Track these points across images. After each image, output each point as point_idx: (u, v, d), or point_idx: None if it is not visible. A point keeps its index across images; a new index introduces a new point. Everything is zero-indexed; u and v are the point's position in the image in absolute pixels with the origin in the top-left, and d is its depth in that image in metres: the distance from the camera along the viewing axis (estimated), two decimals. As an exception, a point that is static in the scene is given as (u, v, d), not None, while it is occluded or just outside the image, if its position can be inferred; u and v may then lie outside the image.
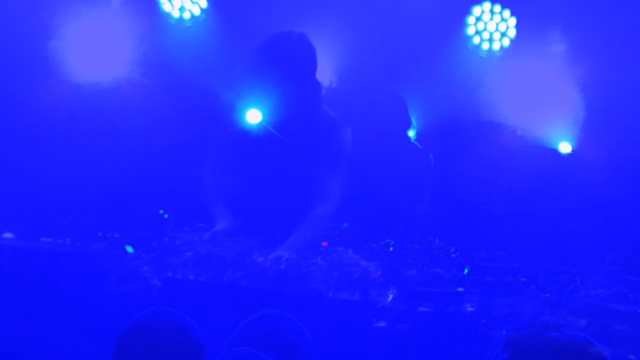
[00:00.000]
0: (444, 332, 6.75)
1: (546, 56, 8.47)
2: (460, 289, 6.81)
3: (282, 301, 6.86)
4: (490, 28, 8.70)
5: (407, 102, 8.58)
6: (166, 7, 8.62)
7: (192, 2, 8.62)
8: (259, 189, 7.94)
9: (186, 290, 7.04)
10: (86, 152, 8.35)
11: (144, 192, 8.21)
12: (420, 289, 6.86)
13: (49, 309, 7.05)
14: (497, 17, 8.69)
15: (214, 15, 8.65)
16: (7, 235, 7.58)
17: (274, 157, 7.94)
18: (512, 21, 8.67)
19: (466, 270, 6.89)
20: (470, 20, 8.72)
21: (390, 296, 6.88)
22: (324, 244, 7.13)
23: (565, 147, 8.72)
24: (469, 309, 6.80)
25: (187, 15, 8.65)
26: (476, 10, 8.70)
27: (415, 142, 8.54)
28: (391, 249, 7.04)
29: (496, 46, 8.71)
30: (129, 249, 7.14)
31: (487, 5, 8.69)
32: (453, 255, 7.03)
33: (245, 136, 8.03)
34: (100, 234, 7.23)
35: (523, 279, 6.87)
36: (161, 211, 7.32)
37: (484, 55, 8.74)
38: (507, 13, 8.67)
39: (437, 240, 7.06)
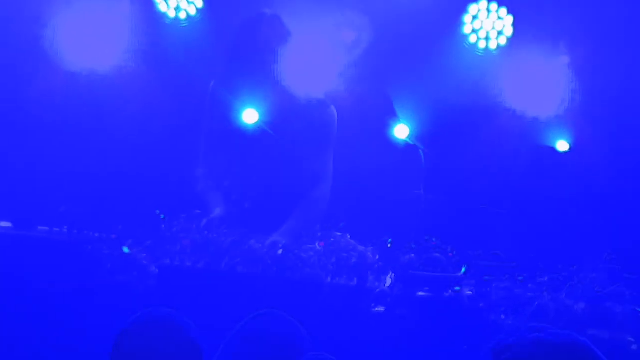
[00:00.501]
0: (442, 317, 6.74)
1: (543, 54, 8.47)
2: (458, 289, 6.80)
3: (279, 287, 6.86)
4: (487, 26, 8.70)
5: (392, 98, 8.59)
6: (162, 7, 8.63)
7: (188, 2, 8.62)
8: (250, 176, 7.94)
9: (183, 277, 7.02)
10: (82, 141, 8.34)
11: (140, 180, 8.20)
12: (418, 273, 6.85)
13: (46, 297, 7.02)
14: (493, 16, 8.69)
15: (209, 15, 8.65)
16: (4, 224, 7.57)
17: (263, 144, 7.95)
18: (509, 19, 8.66)
19: (463, 270, 6.88)
20: (467, 18, 8.72)
21: (389, 281, 6.87)
22: (321, 243, 7.11)
23: (562, 145, 8.72)
24: (467, 292, 6.80)
25: (182, 15, 8.65)
26: (473, 8, 8.70)
27: (408, 139, 8.54)
28: (389, 245, 7.02)
29: (493, 45, 8.71)
30: (125, 250, 7.13)
31: (483, 4, 8.69)
32: (450, 255, 7.02)
33: (236, 128, 8.04)
34: (96, 235, 7.20)
35: (520, 278, 6.85)
36: (158, 211, 7.30)
37: (481, 54, 8.74)
38: (503, 11, 8.67)
39: (434, 240, 7.04)
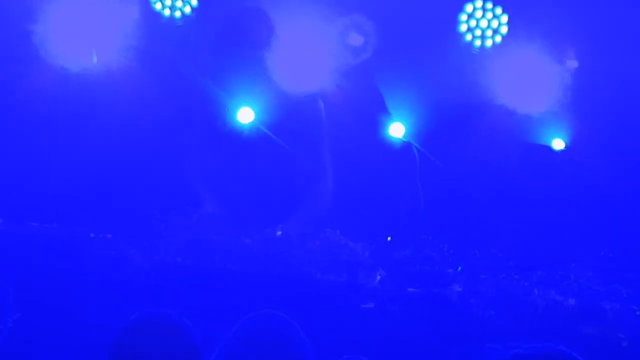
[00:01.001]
0: (432, 313, 6.74)
1: (538, 52, 8.45)
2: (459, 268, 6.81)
3: (270, 283, 6.86)
4: (483, 25, 8.68)
5: (385, 96, 8.58)
6: (157, 6, 8.62)
7: (183, 1, 8.61)
8: (242, 172, 7.96)
9: (175, 273, 7.01)
10: (74, 138, 8.33)
11: (132, 177, 8.20)
12: (408, 269, 6.85)
13: (37, 293, 7.02)
14: (489, 15, 8.67)
15: (204, 14, 8.63)
16: (-5, 220, 7.57)
17: (255, 140, 7.97)
18: (504, 18, 8.64)
19: (460, 269, 6.88)
20: (463, 17, 8.70)
21: (379, 277, 6.86)
22: (317, 242, 7.11)
23: (558, 144, 8.71)
24: (458, 289, 6.80)
25: (178, 14, 8.64)
26: (468, 7, 8.68)
27: (403, 138, 8.53)
28: (389, 238, 7.01)
29: (488, 43, 8.69)
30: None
31: (479, 3, 8.67)
32: (447, 254, 7.02)
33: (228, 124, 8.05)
34: (92, 235, 7.19)
35: (517, 277, 6.85)
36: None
37: (476, 52, 8.72)
38: (499, 10, 8.65)
39: (431, 239, 7.04)
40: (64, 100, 8.37)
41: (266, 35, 7.88)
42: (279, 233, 7.08)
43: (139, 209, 7.46)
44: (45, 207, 7.54)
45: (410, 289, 6.79)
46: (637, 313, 6.69)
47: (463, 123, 8.70)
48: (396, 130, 8.54)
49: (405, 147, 8.57)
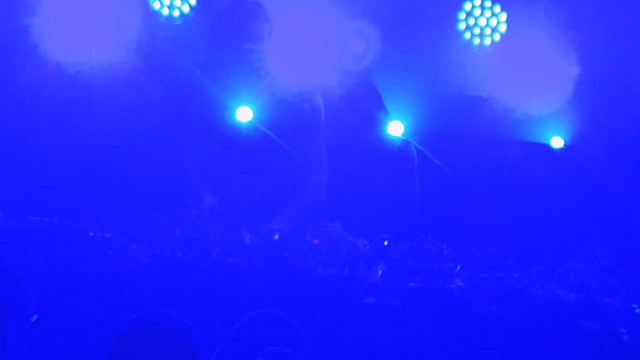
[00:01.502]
0: (433, 308, 6.75)
1: (537, 51, 8.46)
2: (454, 285, 6.81)
3: (270, 278, 6.85)
4: (481, 23, 8.68)
5: (381, 94, 8.59)
6: (155, 5, 8.60)
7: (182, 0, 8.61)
8: (241, 167, 7.96)
9: (174, 267, 7.00)
10: (72, 130, 8.32)
11: (131, 171, 8.18)
12: (409, 264, 6.85)
13: (36, 288, 6.99)
14: (487, 13, 8.67)
15: (203, 13, 8.63)
16: (-6, 214, 7.55)
17: (253, 134, 7.97)
18: (503, 16, 8.65)
19: (458, 267, 6.89)
20: (461, 15, 8.71)
21: (380, 271, 6.86)
22: (316, 241, 7.10)
23: (557, 142, 8.73)
24: (459, 283, 6.80)
25: (176, 14, 8.62)
26: (467, 5, 8.69)
27: (402, 136, 8.54)
28: (386, 243, 7.01)
29: (487, 41, 8.70)
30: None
31: (477, 1, 8.68)
32: (445, 252, 7.03)
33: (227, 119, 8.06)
34: (91, 234, 7.17)
35: (516, 275, 6.86)
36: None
37: (475, 51, 8.73)
38: (497, 8, 8.66)
39: (429, 237, 7.04)
40: (62, 96, 8.36)
41: (264, 29, 7.88)
42: (276, 237, 7.07)
43: (138, 204, 7.45)
44: (44, 202, 7.51)
45: (411, 284, 6.79)
46: (637, 311, 6.70)
47: (462, 121, 8.71)
48: (395, 128, 8.55)
49: (404, 145, 8.57)
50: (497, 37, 8.66)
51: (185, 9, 8.61)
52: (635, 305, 6.70)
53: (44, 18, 8.14)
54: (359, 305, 6.78)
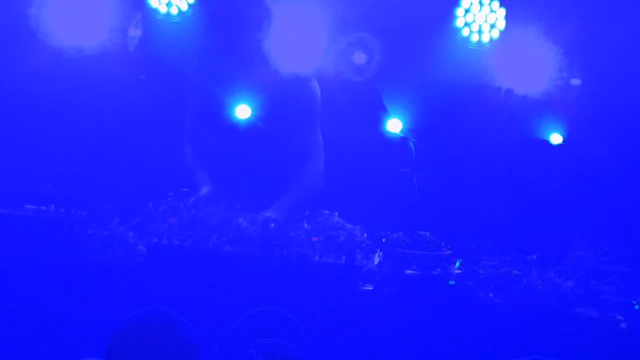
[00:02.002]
0: (431, 295, 6.74)
1: (535, 48, 8.45)
2: (452, 282, 6.80)
3: (267, 266, 6.85)
4: (479, 20, 8.66)
5: (381, 93, 8.59)
6: (153, 2, 8.59)
7: (180, -3, 8.60)
8: (238, 154, 7.96)
9: (171, 256, 7.00)
10: (70, 120, 8.32)
11: (127, 159, 8.18)
12: (406, 251, 6.84)
13: (33, 277, 7.00)
14: (486, 9, 8.64)
15: (201, 11, 8.61)
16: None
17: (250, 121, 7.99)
18: (501, 12, 8.63)
19: (457, 264, 6.88)
20: (459, 12, 8.68)
21: (377, 259, 6.85)
22: (315, 239, 7.08)
23: (556, 139, 8.72)
24: (456, 271, 6.80)
25: (174, 11, 8.60)
26: (465, 2, 8.66)
27: (400, 133, 8.54)
28: (384, 240, 7.00)
29: (485, 38, 8.68)
30: None
31: (475, -3, 8.68)
32: (444, 249, 7.01)
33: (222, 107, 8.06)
34: (89, 232, 7.15)
35: (515, 272, 6.85)
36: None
37: (474, 47, 8.71)
38: (495, 4, 8.63)
39: (427, 234, 7.03)
40: (60, 87, 8.37)
41: (262, 18, 7.87)
42: (272, 225, 7.06)
43: (135, 193, 7.45)
44: (41, 191, 7.50)
45: (408, 271, 6.78)
46: (636, 307, 6.70)
47: (460, 118, 8.71)
48: (393, 125, 8.54)
49: (402, 142, 8.57)
50: (495, 33, 8.63)
51: (183, 6, 8.59)
52: (634, 302, 6.70)
53: (41, 16, 8.14)
54: (356, 293, 6.78)
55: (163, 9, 8.60)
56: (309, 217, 7.12)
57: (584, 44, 8.35)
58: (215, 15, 8.16)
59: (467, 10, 8.63)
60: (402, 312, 6.70)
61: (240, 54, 7.91)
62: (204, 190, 7.62)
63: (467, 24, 8.64)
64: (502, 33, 8.62)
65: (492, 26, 8.63)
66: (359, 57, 8.44)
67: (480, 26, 8.63)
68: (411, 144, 8.52)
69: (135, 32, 8.44)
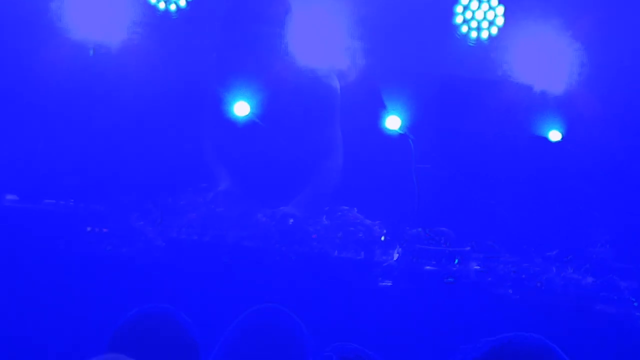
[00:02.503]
0: (449, 291, 6.75)
1: (534, 45, 8.44)
2: (451, 280, 6.80)
3: (286, 261, 6.86)
4: (478, 17, 8.65)
5: (381, 89, 8.58)
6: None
7: (178, -6, 8.59)
8: (257, 150, 7.97)
9: (190, 250, 7.02)
10: (88, 113, 8.33)
11: (147, 154, 8.20)
12: (425, 247, 6.85)
13: (52, 271, 7.02)
14: (484, 6, 8.63)
15: (200, 8, 8.61)
16: (10, 197, 7.55)
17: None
18: (500, 9, 8.61)
19: (456, 261, 6.88)
20: (458, 9, 8.67)
21: (396, 255, 6.86)
22: (314, 236, 7.09)
23: (555, 135, 8.71)
24: (475, 267, 6.80)
25: (173, 8, 8.60)
26: (463, -2, 8.68)
27: (399, 130, 8.53)
28: (383, 238, 7.01)
29: (484, 35, 8.67)
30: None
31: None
32: (444, 247, 7.02)
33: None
34: (88, 229, 7.17)
35: (514, 270, 6.85)
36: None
37: (472, 44, 8.69)
38: (494, 1, 8.62)
39: (427, 232, 7.04)
40: (78, 79, 8.38)
41: (282, 13, 7.88)
42: (291, 221, 7.07)
43: (154, 188, 7.46)
44: (60, 185, 7.53)
45: (427, 267, 6.79)
46: (635, 304, 6.69)
47: (460, 115, 8.70)
48: (392, 123, 8.53)
49: (402, 139, 8.56)
50: (494, 30, 8.62)
51: (182, 3, 8.59)
52: (633, 299, 6.69)
53: (39, 14, 8.16)
54: (375, 289, 6.78)
55: (162, 6, 8.60)
56: (328, 213, 7.13)
57: (583, 39, 8.34)
58: (235, 9, 8.17)
59: (465, 7, 8.62)
60: (421, 308, 6.70)
61: (260, 49, 7.92)
62: (223, 185, 7.64)
63: (465, 21, 8.63)
64: (500, 30, 8.61)
65: (491, 23, 8.62)
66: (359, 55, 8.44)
67: (479, 23, 8.62)
68: (410, 141, 8.52)
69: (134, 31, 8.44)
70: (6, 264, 6.96)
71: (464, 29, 8.61)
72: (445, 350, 6.58)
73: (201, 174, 7.84)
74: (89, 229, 7.11)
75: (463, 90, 8.63)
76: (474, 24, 8.60)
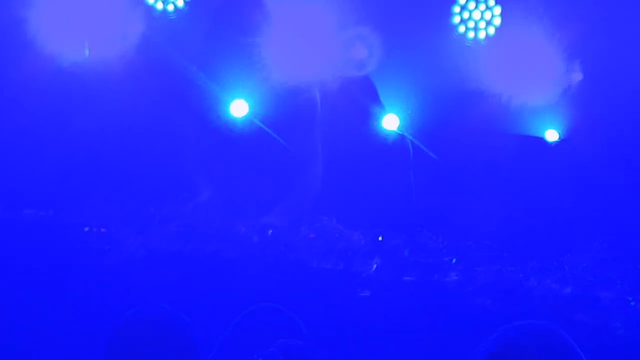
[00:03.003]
0: (428, 301, 6.75)
1: (531, 44, 8.44)
2: (454, 260, 6.81)
3: (266, 272, 6.87)
4: (476, 17, 8.64)
5: (377, 88, 8.58)
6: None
7: (176, -6, 8.61)
8: (238, 161, 7.98)
9: (170, 261, 7.02)
10: (68, 125, 8.31)
11: (127, 165, 8.19)
12: (404, 258, 6.86)
13: (32, 281, 7.02)
14: (482, 6, 8.63)
15: (197, 8, 8.61)
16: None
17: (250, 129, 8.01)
18: (497, 9, 8.61)
19: (454, 261, 6.89)
20: (456, 9, 8.67)
21: (375, 265, 6.87)
22: (312, 235, 7.11)
23: (552, 135, 8.71)
24: (454, 277, 6.81)
25: (170, 8, 8.61)
26: (461, -2, 8.68)
27: (397, 130, 8.54)
28: (380, 238, 7.01)
29: (482, 35, 8.67)
30: None
31: (471, -6, 8.67)
32: (441, 245, 7.03)
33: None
34: (86, 229, 7.18)
35: (511, 268, 6.86)
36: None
37: (470, 44, 8.70)
38: (492, 1, 8.62)
39: (424, 230, 7.04)
40: (57, 91, 8.36)
41: (261, 23, 7.88)
42: (270, 232, 7.08)
43: (135, 198, 7.46)
44: (41, 196, 7.53)
45: (406, 278, 6.79)
46: (632, 304, 6.70)
47: (456, 115, 8.69)
48: (390, 122, 8.54)
49: (398, 139, 8.57)
50: (491, 30, 8.62)
51: (180, 3, 8.60)
52: (630, 298, 6.70)
53: (38, 12, 8.15)
54: (354, 299, 6.79)
55: (159, 6, 8.60)
56: (308, 223, 7.13)
57: (581, 40, 8.34)
58: (214, 17, 8.18)
59: (463, 7, 8.63)
60: (399, 318, 6.71)
61: (240, 59, 7.92)
62: (204, 196, 7.63)
63: (463, 21, 8.64)
64: (498, 30, 8.62)
65: (488, 23, 8.62)
66: (359, 52, 8.43)
67: (476, 23, 8.63)
68: (408, 141, 8.52)
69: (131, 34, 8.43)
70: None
71: (462, 29, 8.62)
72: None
73: (182, 184, 7.83)
74: (86, 229, 7.12)
75: (461, 89, 8.64)
76: (471, 24, 8.61)
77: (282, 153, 7.89)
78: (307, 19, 7.96)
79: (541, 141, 8.48)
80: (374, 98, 8.30)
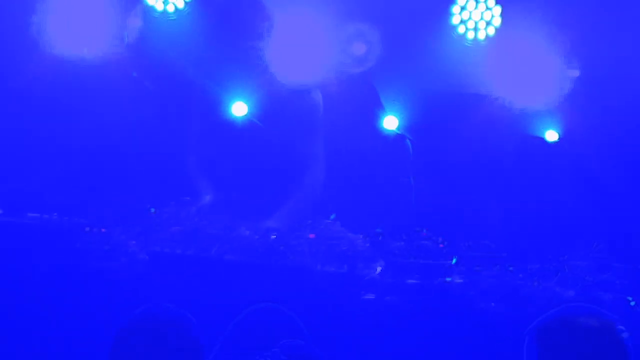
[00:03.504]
0: (432, 304, 6.74)
1: (531, 44, 8.45)
2: (449, 279, 6.80)
3: (269, 275, 6.86)
4: (475, 17, 8.66)
5: (378, 89, 8.59)
6: (150, 0, 8.61)
7: (176, -5, 8.61)
8: (240, 163, 7.98)
9: (173, 264, 7.01)
10: (70, 127, 8.32)
11: (130, 168, 8.19)
12: (407, 261, 6.85)
13: (36, 284, 7.01)
14: (481, 6, 8.64)
15: (197, 8, 8.61)
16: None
17: (252, 131, 7.99)
18: (497, 10, 8.63)
19: (454, 261, 6.88)
20: (455, 9, 8.68)
21: (378, 269, 6.86)
22: (311, 236, 7.10)
23: (551, 136, 8.72)
24: (457, 281, 6.80)
25: (170, 8, 8.61)
26: (460, -1, 8.69)
27: (397, 130, 8.54)
28: (380, 238, 7.01)
29: (481, 35, 8.68)
30: None
31: (471, -6, 8.67)
32: (441, 246, 7.02)
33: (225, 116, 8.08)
34: (87, 229, 7.17)
35: (511, 268, 6.85)
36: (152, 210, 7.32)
37: (469, 45, 8.70)
38: (491, 2, 8.64)
39: (424, 231, 7.04)
40: (59, 93, 8.36)
41: (263, 25, 7.88)
42: (273, 236, 7.08)
43: (137, 201, 7.46)
44: (43, 199, 7.52)
45: (410, 280, 6.79)
46: (632, 304, 6.69)
47: (456, 115, 8.70)
48: (390, 123, 8.55)
49: (399, 140, 8.57)
50: (491, 30, 8.63)
51: (180, 4, 8.60)
52: (630, 298, 6.70)
53: (39, 13, 8.15)
54: (358, 302, 6.78)
55: (159, 7, 8.59)
56: (311, 226, 7.13)
57: (581, 39, 8.35)
58: (214, 17, 8.18)
59: (463, 8, 8.63)
60: (403, 321, 6.70)
61: (242, 62, 7.93)
62: (206, 199, 7.64)
63: (463, 21, 8.65)
64: (497, 30, 8.62)
65: (488, 23, 8.63)
66: (358, 48, 8.43)
67: (476, 23, 8.63)
68: (408, 141, 8.53)
69: (132, 33, 8.42)
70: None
71: (461, 29, 8.63)
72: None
73: (184, 187, 7.84)
74: (87, 229, 7.11)
75: (461, 89, 8.64)
76: (471, 24, 8.61)
77: (285, 156, 7.89)
78: (307, 19, 7.97)
79: (541, 142, 8.49)
80: (375, 100, 8.31)
